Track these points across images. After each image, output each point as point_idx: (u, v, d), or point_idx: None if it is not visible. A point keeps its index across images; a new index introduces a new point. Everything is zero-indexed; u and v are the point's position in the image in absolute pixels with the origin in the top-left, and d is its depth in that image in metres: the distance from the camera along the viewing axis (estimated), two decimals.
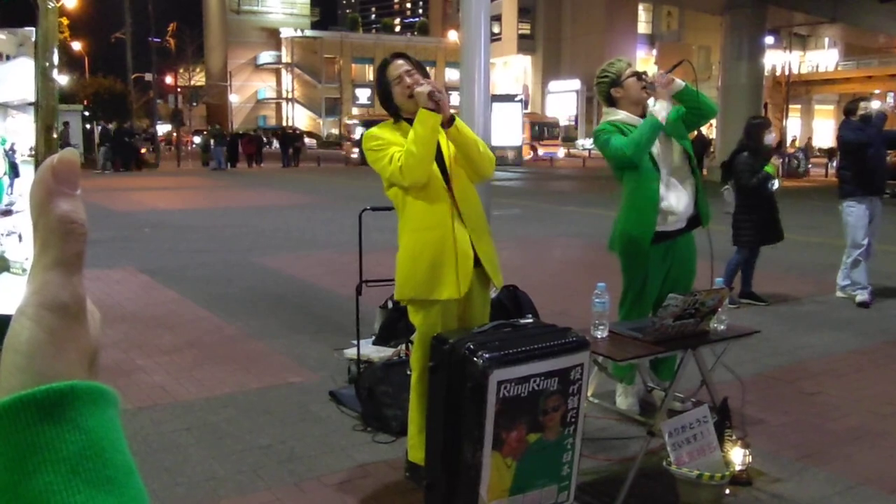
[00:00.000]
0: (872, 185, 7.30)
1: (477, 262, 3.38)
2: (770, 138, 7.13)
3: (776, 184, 7.03)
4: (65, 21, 43.05)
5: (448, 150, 3.39)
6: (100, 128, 28.76)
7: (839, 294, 7.49)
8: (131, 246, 10.65)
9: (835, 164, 11.84)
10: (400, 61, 3.49)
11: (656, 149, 4.21)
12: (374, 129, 3.47)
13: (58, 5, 0.46)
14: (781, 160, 7.07)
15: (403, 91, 3.41)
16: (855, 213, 7.20)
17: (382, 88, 3.52)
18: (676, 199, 4.24)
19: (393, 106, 3.48)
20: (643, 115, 4.25)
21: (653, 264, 4.28)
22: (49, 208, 0.43)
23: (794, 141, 33.82)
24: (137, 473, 0.43)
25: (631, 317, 4.25)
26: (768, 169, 6.88)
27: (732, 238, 7.21)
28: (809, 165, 29.10)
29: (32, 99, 0.46)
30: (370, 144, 3.41)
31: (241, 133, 40.50)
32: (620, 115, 4.29)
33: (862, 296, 7.21)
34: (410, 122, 3.33)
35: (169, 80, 47.52)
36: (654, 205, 4.17)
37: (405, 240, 3.41)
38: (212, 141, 31.63)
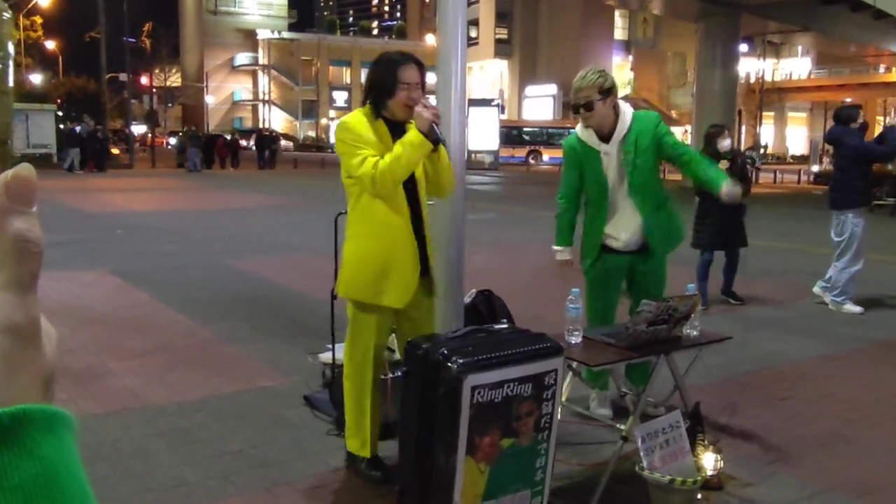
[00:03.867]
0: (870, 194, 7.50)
1: (426, 272, 3.52)
2: (725, 144, 7.19)
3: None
4: (38, 20, 42.61)
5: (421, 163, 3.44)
6: (65, 127, 28.33)
7: (815, 291, 7.52)
8: (104, 248, 10.54)
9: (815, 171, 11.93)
10: (415, 70, 3.40)
11: (610, 180, 4.20)
12: (349, 120, 3.42)
13: (11, 17, 0.44)
14: (730, 166, 7.09)
15: (406, 100, 3.36)
16: (862, 223, 7.08)
17: (383, 81, 3.40)
18: (619, 228, 4.26)
19: (382, 101, 3.42)
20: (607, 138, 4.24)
21: (611, 276, 4.37)
22: (2, 227, 0.41)
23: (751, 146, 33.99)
24: (94, 501, 0.41)
25: (594, 321, 4.27)
26: None
27: (692, 241, 7.32)
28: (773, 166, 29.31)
29: None
30: (344, 136, 3.38)
31: (216, 135, 40.23)
32: (586, 132, 4.24)
33: (854, 305, 7.24)
34: (388, 122, 3.40)
35: (144, 80, 47.13)
36: (599, 235, 4.29)
37: (353, 243, 3.48)
38: (187, 142, 31.37)
